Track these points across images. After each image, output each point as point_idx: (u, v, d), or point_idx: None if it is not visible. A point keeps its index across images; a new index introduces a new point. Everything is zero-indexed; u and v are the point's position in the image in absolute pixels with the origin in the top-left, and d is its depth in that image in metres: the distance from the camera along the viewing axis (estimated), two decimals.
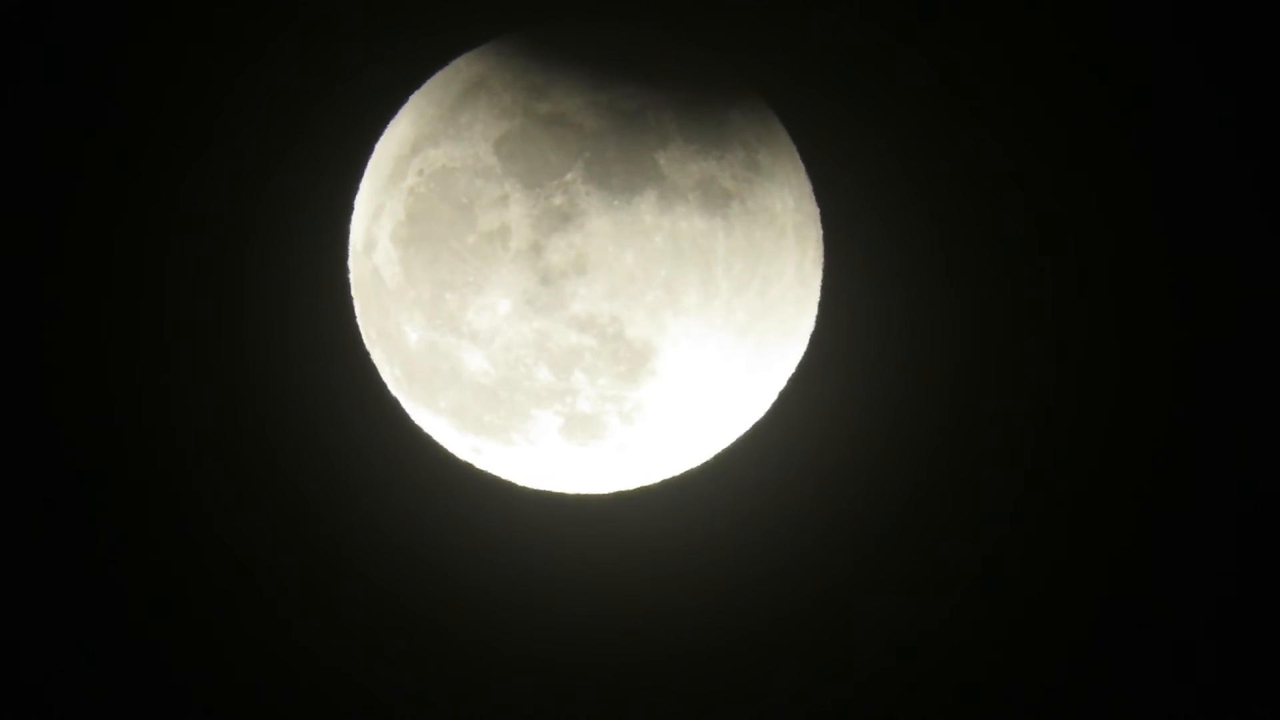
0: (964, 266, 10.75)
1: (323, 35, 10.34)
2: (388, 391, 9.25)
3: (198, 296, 10.53)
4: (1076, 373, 10.76)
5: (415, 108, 8.85)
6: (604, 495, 9.57)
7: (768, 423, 9.49)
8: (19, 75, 10.24)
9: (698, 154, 8.36)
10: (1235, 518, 10.78)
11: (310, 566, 10.77)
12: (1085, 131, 10.65)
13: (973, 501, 10.87)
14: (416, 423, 9.22)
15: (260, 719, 10.80)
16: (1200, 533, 10.83)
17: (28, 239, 10.42)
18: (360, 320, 9.21)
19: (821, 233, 9.27)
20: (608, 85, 8.34)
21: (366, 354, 9.28)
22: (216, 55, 10.34)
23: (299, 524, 10.74)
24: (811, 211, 9.15)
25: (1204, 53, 10.44)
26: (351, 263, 9.13)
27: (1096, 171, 10.69)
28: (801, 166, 9.15)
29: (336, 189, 9.40)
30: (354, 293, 9.17)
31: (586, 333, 8.24)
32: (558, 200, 8.14)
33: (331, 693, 10.84)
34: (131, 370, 10.59)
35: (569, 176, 8.16)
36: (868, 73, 10.56)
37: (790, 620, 10.98)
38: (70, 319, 10.52)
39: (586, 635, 10.87)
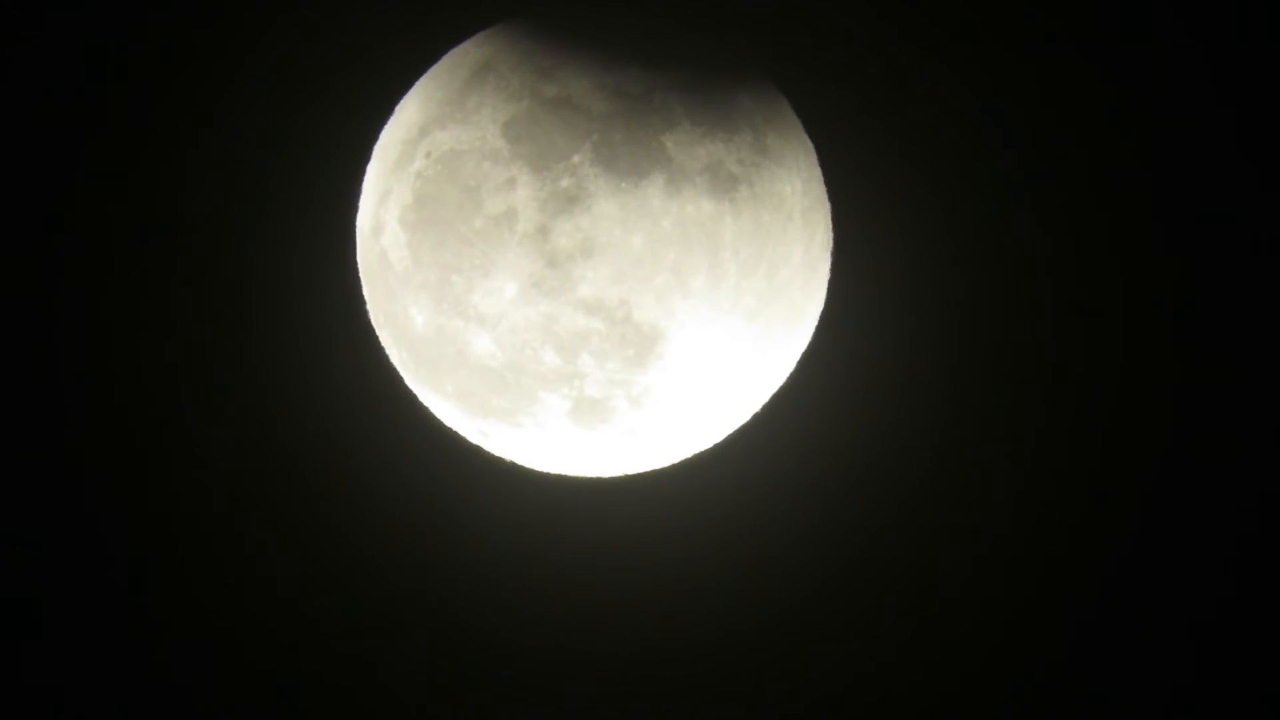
0: (972, 251, 10.74)
1: (330, 18, 10.34)
2: (396, 374, 9.26)
3: (205, 281, 10.55)
4: (1080, 359, 10.75)
5: (422, 91, 8.85)
6: (612, 479, 9.57)
7: (775, 406, 9.49)
8: (22, 54, 10.25)
9: (705, 137, 8.35)
10: (1235, 517, 10.80)
11: (317, 549, 10.80)
12: (1094, 119, 10.63)
13: (979, 484, 10.87)
14: (424, 406, 9.23)
15: (265, 702, 10.82)
16: (1201, 532, 10.84)
17: (32, 226, 10.44)
18: (368, 303, 9.22)
19: (830, 216, 9.26)
20: (615, 68, 8.34)
21: (375, 337, 9.29)
22: (223, 40, 10.35)
23: (306, 507, 10.76)
24: (820, 195, 9.14)
25: (1217, 52, 10.41)
26: (359, 246, 9.13)
27: (1106, 160, 10.67)
28: (811, 150, 9.14)
29: (344, 173, 9.41)
30: (362, 276, 9.18)
31: (594, 316, 8.24)
32: (565, 183, 8.13)
33: (337, 675, 10.86)
34: (139, 355, 10.61)
35: (576, 159, 8.15)
36: (877, 55, 10.54)
37: (798, 604, 10.98)
38: (78, 306, 10.53)
39: (594, 619, 10.89)
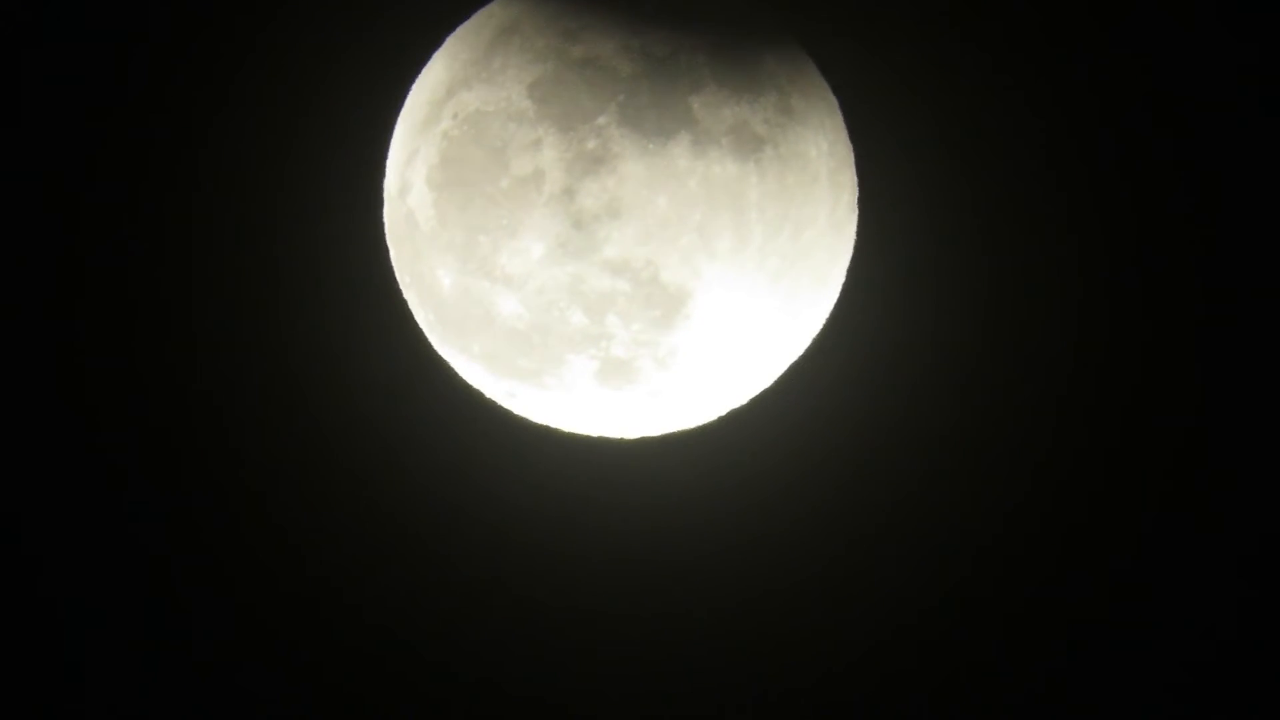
0: (1000, 215, 10.73)
1: None
2: (422, 336, 9.29)
3: (231, 243, 10.58)
4: (1102, 336, 10.74)
5: (449, 52, 8.86)
6: (638, 440, 9.60)
7: (801, 368, 9.50)
8: (42, 28, 10.28)
9: (731, 98, 8.35)
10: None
11: (344, 511, 10.84)
12: (1125, 89, 10.59)
13: (1004, 449, 10.86)
14: (451, 367, 9.26)
15: (292, 668, 10.88)
16: (1201, 532, 10.84)
17: (51, 194, 10.48)
18: (395, 265, 9.24)
19: (855, 178, 9.25)
20: (641, 30, 8.33)
21: (401, 298, 9.32)
22: (247, 1, 10.36)
23: (334, 469, 10.80)
24: (845, 157, 9.12)
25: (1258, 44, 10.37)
26: (386, 207, 9.16)
27: (1135, 129, 10.64)
28: (837, 111, 9.13)
29: (371, 134, 9.43)
30: (388, 237, 9.20)
31: (620, 277, 8.25)
32: (591, 144, 8.14)
33: (362, 638, 10.92)
34: (164, 320, 10.65)
35: (602, 120, 8.16)
36: (904, 17, 10.51)
37: (821, 568, 11.01)
38: (98, 274, 10.57)
39: (620, 579, 10.93)
